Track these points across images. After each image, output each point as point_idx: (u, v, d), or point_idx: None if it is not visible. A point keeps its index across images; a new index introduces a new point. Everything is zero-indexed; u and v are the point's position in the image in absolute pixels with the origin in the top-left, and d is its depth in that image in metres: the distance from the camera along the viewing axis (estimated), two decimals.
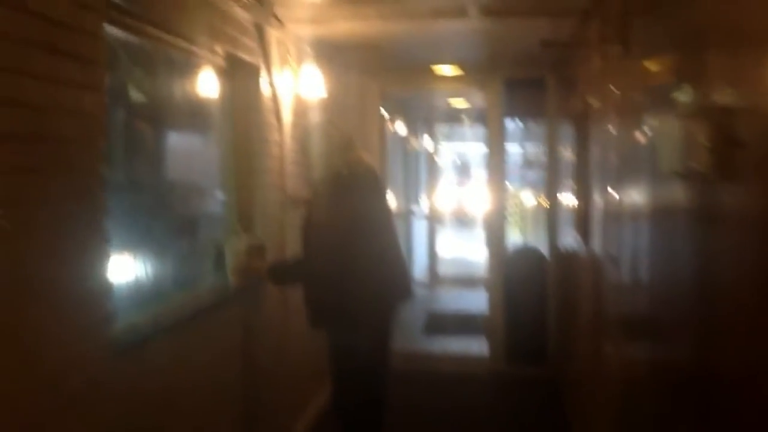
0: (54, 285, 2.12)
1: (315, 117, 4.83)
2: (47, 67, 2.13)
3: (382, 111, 7.58)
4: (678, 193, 2.11)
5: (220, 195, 4.13)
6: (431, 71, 6.72)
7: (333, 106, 5.27)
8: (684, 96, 2.06)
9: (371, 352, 3.80)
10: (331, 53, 5.33)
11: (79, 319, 2.24)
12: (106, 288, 2.41)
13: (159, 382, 2.84)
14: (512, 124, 8.28)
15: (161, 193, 3.74)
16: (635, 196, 2.82)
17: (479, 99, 8.01)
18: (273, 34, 4.41)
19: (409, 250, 9.93)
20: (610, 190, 3.52)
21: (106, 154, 2.41)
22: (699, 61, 1.92)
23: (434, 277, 11.29)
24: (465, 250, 13.84)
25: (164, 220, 3.86)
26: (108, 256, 2.38)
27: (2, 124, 1.96)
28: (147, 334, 2.82)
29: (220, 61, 3.83)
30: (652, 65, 2.60)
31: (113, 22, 2.68)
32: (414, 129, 11.35)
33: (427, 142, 12.31)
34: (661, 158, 2.35)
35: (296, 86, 4.79)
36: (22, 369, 1.97)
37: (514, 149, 9.31)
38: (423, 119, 11.69)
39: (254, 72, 4.21)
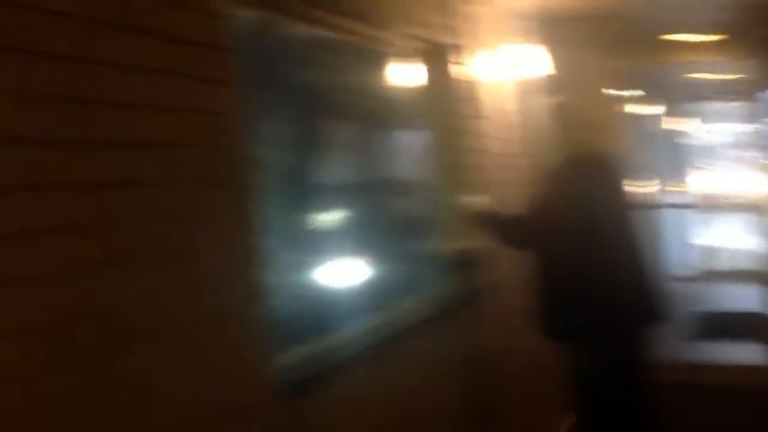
0: (201, 313, 1.74)
1: (539, 99, 4.24)
2: (181, 62, 1.77)
3: (617, 89, 6.77)
4: None
5: (425, 194, 3.68)
6: (672, 41, 5.81)
7: (560, 86, 4.63)
8: None
9: (626, 377, 3.14)
10: (556, 28, 4.69)
11: (239, 352, 1.85)
12: (267, 316, 1.99)
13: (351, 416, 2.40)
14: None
15: (365, 192, 3.53)
16: None
17: (734, 70, 6.92)
18: (480, 11, 3.88)
19: (659, 243, 8.86)
20: None
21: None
22: None
23: (696, 272, 9.99)
24: (725, 240, 12.35)
25: (372, 221, 3.64)
26: (264, 277, 1.96)
27: (140, 131, 1.63)
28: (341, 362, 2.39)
29: (419, 47, 3.37)
30: None
31: (302, 18, 2.43)
32: (655, 108, 10.26)
33: (670, 121, 11.11)
34: None
35: (514, 67, 4.21)
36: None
37: None
38: (664, 96, 10.52)
39: (458, 56, 3.69)
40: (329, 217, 3.72)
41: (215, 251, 1.81)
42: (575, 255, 3.07)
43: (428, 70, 3.57)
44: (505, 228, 3.34)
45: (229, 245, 1.87)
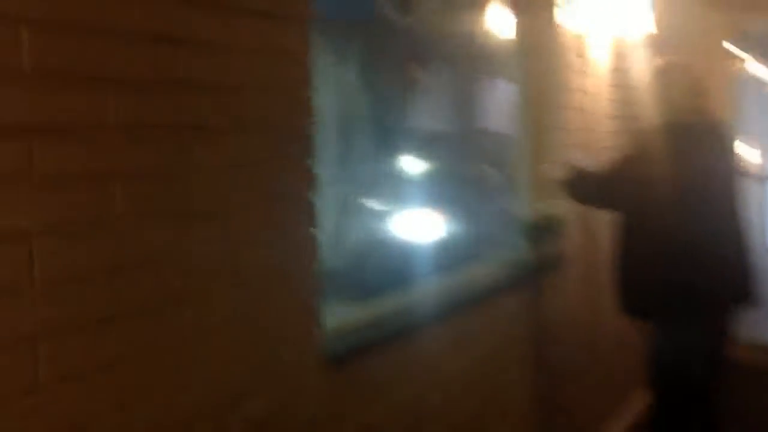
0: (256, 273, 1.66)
1: (643, 58, 3.94)
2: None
3: (733, 48, 6.30)
4: None
5: (513, 150, 3.48)
6: None
7: (667, 45, 4.29)
8: None
9: (707, 359, 2.95)
10: None
11: (291, 310, 1.77)
12: (322, 273, 1.88)
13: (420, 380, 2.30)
14: None
15: (450, 143, 3.42)
16: None
17: None
18: None
19: (763, 217, 8.32)
20: None
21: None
22: None
23: None
24: None
25: (454, 175, 3.52)
26: (317, 241, 1.84)
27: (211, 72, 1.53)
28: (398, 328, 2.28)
29: None
30: None
31: None
32: None
33: None
34: None
35: (620, 23, 3.92)
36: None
37: None
38: None
39: (553, 6, 3.43)
40: (410, 167, 3.60)
41: (274, 203, 1.71)
42: (669, 225, 2.85)
43: (528, 19, 3.34)
44: (594, 187, 3.12)
45: (287, 197, 1.76)
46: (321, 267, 1.84)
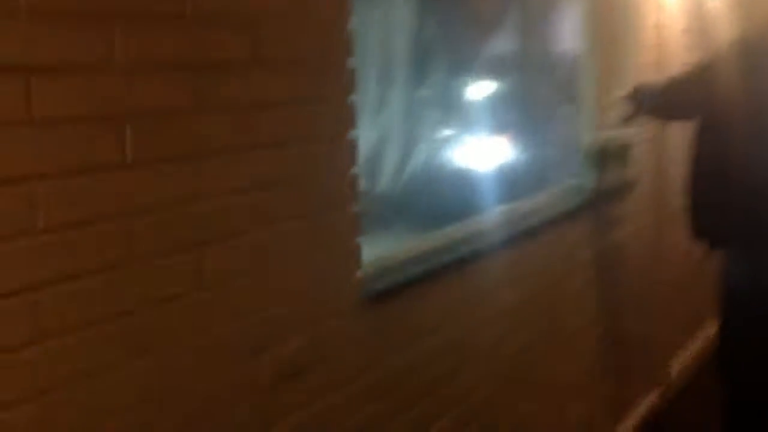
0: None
1: None
2: None
3: None
4: None
5: (578, 72, 3.30)
6: None
7: None
8: None
9: None
10: None
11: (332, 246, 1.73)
12: (356, 220, 1.81)
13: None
14: None
15: (512, 66, 3.30)
16: None
17: None
18: None
19: None
20: None
21: None
22: None
23: None
24: None
25: (517, 98, 3.41)
26: (358, 179, 1.77)
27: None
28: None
29: None
30: None
31: None
32: None
33: None
34: None
35: None
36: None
37: None
38: None
39: None
40: (475, 91, 3.47)
41: (309, 143, 1.65)
42: (746, 146, 2.68)
43: None
44: (664, 99, 2.95)
45: (324, 138, 1.70)
46: (367, 200, 1.78)
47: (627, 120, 3.04)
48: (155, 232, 1.34)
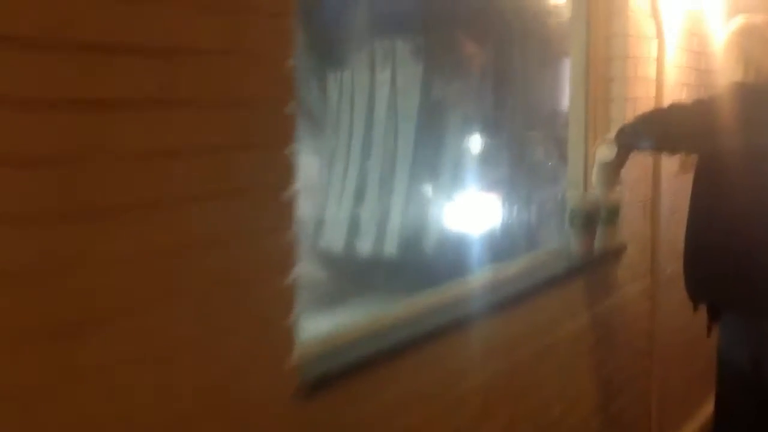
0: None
1: (720, 20, 3.47)
2: None
3: None
4: None
5: (566, 131, 3.07)
6: None
7: (745, 4, 3.79)
8: None
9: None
10: None
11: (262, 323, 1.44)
12: (291, 296, 1.51)
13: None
14: None
15: (496, 124, 3.13)
16: None
17: None
18: None
19: None
20: None
21: None
22: None
23: None
24: None
25: (500, 157, 3.25)
26: (295, 247, 1.48)
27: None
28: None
29: None
30: None
31: None
32: None
33: None
34: None
35: None
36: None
37: None
38: None
39: None
40: (465, 150, 3.31)
41: (231, 200, 1.38)
42: (745, 202, 2.56)
43: None
44: (663, 128, 2.71)
45: (252, 194, 1.42)
46: (299, 277, 1.50)
47: (613, 168, 2.79)
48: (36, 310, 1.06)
